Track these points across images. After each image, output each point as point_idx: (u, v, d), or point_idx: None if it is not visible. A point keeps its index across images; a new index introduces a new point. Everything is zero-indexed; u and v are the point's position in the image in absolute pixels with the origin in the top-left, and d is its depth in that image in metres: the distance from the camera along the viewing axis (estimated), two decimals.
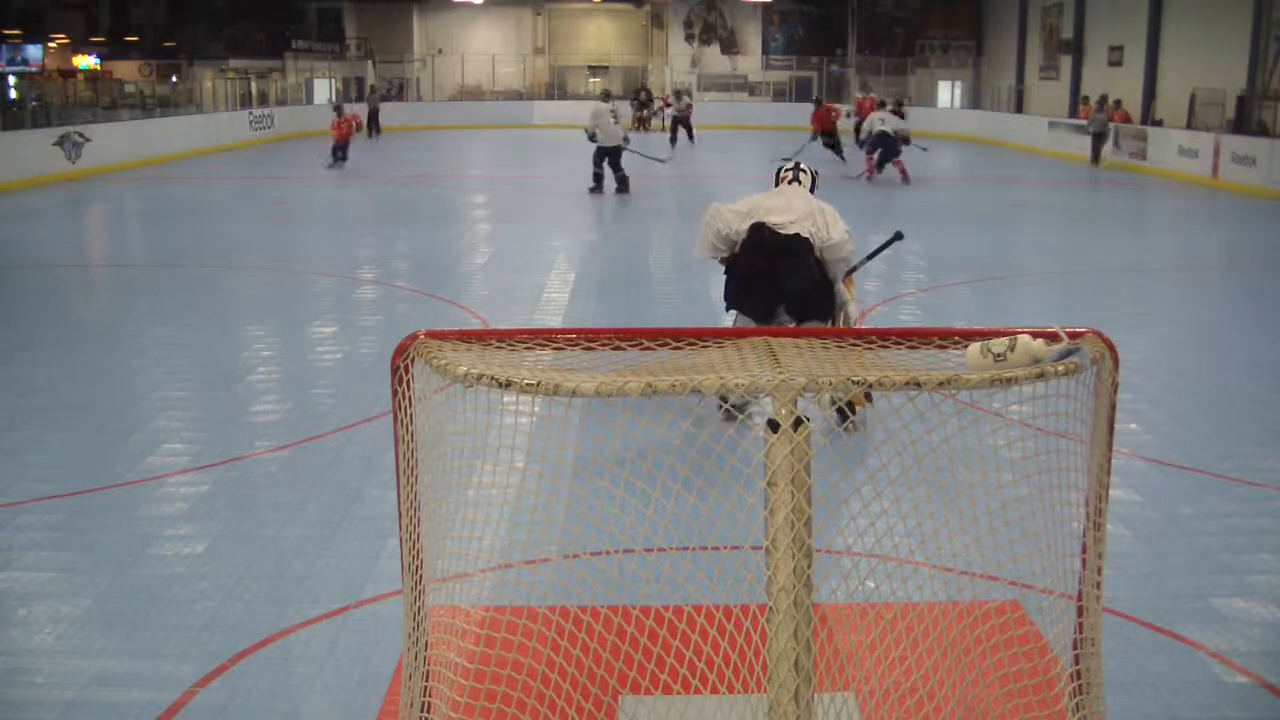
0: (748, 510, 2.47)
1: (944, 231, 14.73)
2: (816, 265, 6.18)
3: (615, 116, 17.68)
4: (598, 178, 17.80)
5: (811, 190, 6.56)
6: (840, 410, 5.34)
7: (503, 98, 40.01)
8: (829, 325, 6.29)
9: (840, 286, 6.40)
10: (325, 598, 4.27)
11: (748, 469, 2.41)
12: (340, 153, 22.22)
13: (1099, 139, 24.51)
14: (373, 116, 31.45)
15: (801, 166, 6.70)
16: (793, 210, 6.23)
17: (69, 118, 23.93)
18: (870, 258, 7.70)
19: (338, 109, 23.67)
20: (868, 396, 5.57)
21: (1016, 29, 34.72)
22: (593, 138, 17.58)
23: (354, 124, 22.88)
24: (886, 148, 19.84)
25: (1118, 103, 26.27)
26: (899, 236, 7.65)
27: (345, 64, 40.31)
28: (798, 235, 6.13)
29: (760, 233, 6.19)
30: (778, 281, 6.13)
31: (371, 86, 37.07)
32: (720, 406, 5.25)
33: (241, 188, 20.09)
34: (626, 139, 17.89)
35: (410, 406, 2.50)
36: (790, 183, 6.54)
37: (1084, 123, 26.72)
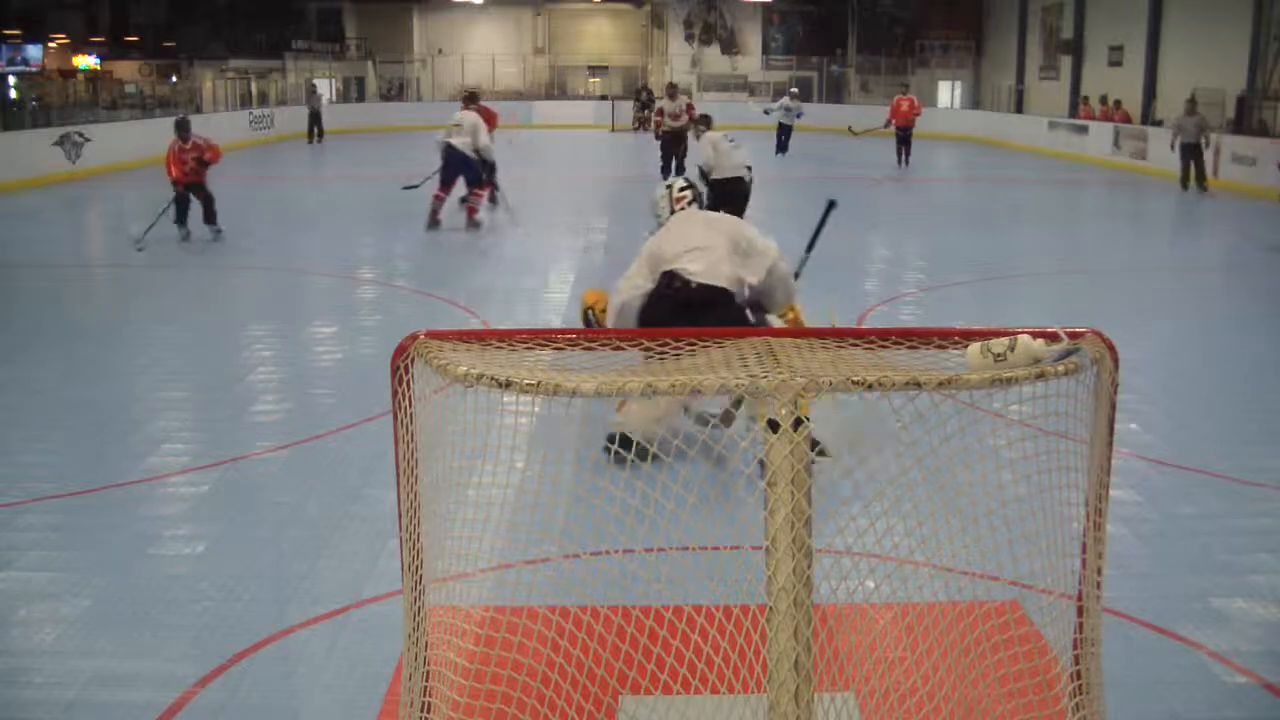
0: (748, 510, 2.47)
1: (944, 231, 14.74)
2: (741, 310, 5.23)
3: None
4: None
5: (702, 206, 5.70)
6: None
7: (503, 98, 39.99)
8: None
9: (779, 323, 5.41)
10: (325, 598, 4.27)
11: (748, 469, 2.41)
12: (179, 209, 12.80)
13: (1195, 152, 18.91)
14: (315, 119, 29.53)
15: (695, 184, 5.83)
16: (710, 250, 5.18)
17: (69, 118, 23.96)
18: (812, 245, 6.90)
19: (181, 125, 13.11)
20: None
21: (1016, 29, 34.72)
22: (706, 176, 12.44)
23: (207, 154, 12.88)
24: (462, 168, 13.67)
25: (1118, 103, 26.27)
26: (832, 205, 6.94)
27: (345, 64, 40.31)
28: (716, 287, 5.12)
29: (670, 282, 5.15)
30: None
31: (312, 86, 32.75)
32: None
33: (241, 188, 20.10)
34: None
35: (410, 406, 2.50)
36: (690, 204, 5.65)
37: (1083, 123, 26.69)
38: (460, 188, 14.08)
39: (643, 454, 3.89)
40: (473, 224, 13.98)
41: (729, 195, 11.82)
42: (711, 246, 5.18)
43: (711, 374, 2.28)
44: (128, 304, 10.17)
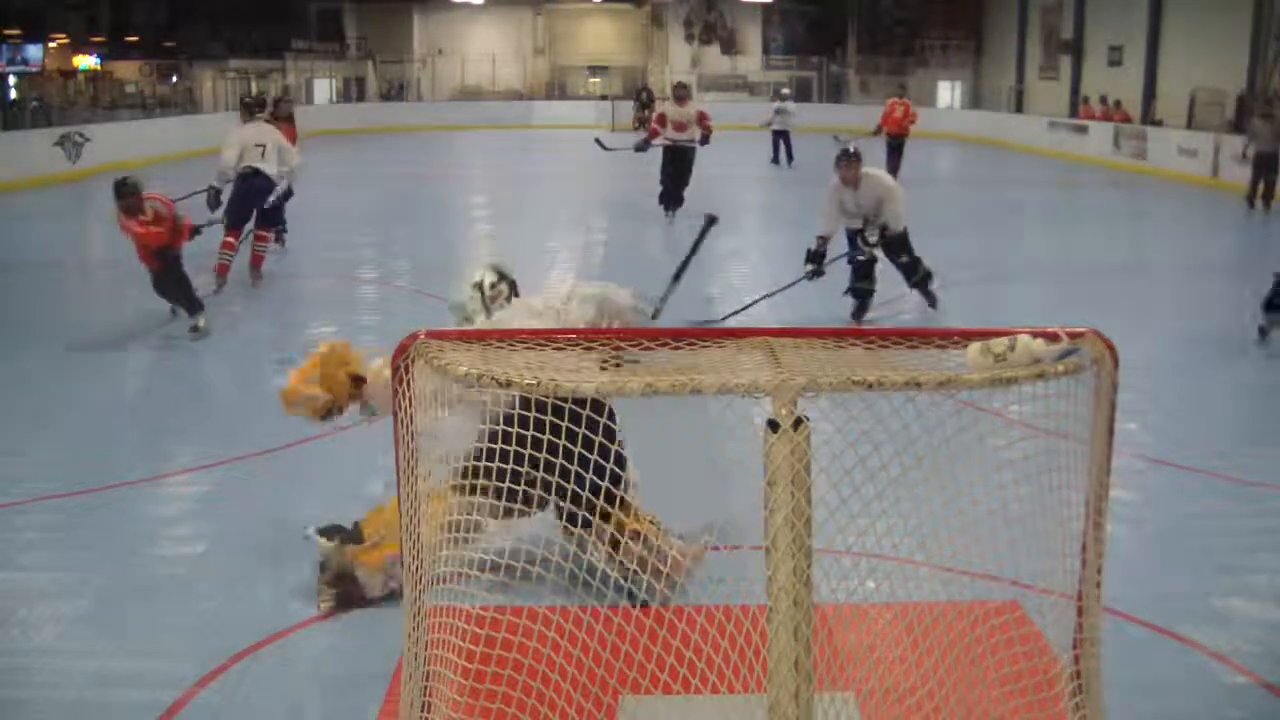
0: (748, 510, 2.47)
1: (944, 231, 14.72)
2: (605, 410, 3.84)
3: None
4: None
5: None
6: (631, 590, 3.61)
7: (503, 98, 39.98)
8: (615, 503, 3.83)
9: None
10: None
11: (749, 470, 2.41)
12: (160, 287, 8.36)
13: (1271, 163, 16.03)
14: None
15: (506, 274, 4.63)
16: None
17: (69, 118, 23.92)
18: (692, 256, 6.32)
19: (126, 190, 8.02)
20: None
21: (1016, 29, 34.71)
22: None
23: (173, 227, 8.17)
24: (259, 200, 10.29)
25: (1117, 103, 26.26)
26: (713, 221, 6.72)
27: (345, 64, 40.29)
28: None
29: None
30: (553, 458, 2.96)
31: (285, 88, 28.77)
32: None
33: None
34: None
35: (410, 406, 2.50)
36: (508, 300, 4.52)
37: (1083, 123, 26.66)
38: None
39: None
40: (258, 275, 10.47)
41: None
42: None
43: (713, 374, 2.28)
44: (127, 304, 10.15)
